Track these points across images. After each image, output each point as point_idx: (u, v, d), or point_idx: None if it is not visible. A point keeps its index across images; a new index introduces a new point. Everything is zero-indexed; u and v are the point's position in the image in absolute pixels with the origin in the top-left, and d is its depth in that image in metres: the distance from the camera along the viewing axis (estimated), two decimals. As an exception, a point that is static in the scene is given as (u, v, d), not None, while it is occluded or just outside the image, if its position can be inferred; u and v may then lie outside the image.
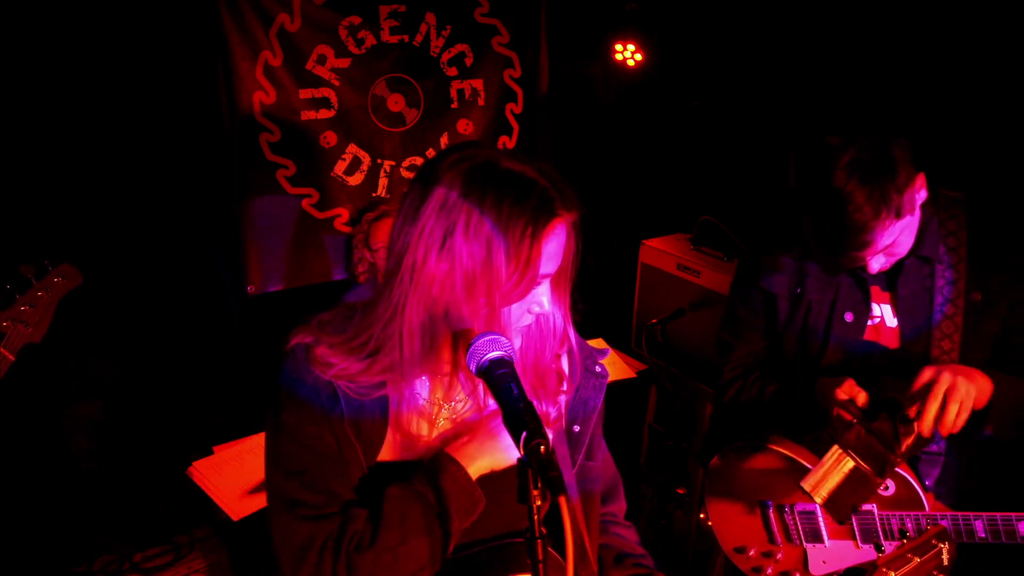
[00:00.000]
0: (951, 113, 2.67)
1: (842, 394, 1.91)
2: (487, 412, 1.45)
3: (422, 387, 1.46)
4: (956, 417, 1.78)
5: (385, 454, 1.44)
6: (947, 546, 1.68)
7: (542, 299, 1.38)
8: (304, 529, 1.36)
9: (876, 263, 1.91)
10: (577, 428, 1.55)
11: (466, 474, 1.35)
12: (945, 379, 1.78)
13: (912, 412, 1.82)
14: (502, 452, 1.37)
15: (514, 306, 1.35)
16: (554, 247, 1.34)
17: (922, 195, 1.87)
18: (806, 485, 1.87)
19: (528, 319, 1.40)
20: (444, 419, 1.47)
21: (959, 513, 1.91)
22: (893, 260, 1.95)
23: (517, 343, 1.44)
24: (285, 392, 1.41)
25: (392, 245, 1.36)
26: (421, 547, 1.33)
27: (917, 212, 1.89)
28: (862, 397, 1.91)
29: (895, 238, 1.84)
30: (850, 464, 1.85)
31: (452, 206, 1.29)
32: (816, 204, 1.82)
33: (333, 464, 1.39)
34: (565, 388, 1.54)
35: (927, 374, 1.82)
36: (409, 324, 1.34)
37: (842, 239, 1.80)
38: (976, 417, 1.86)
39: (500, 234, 1.28)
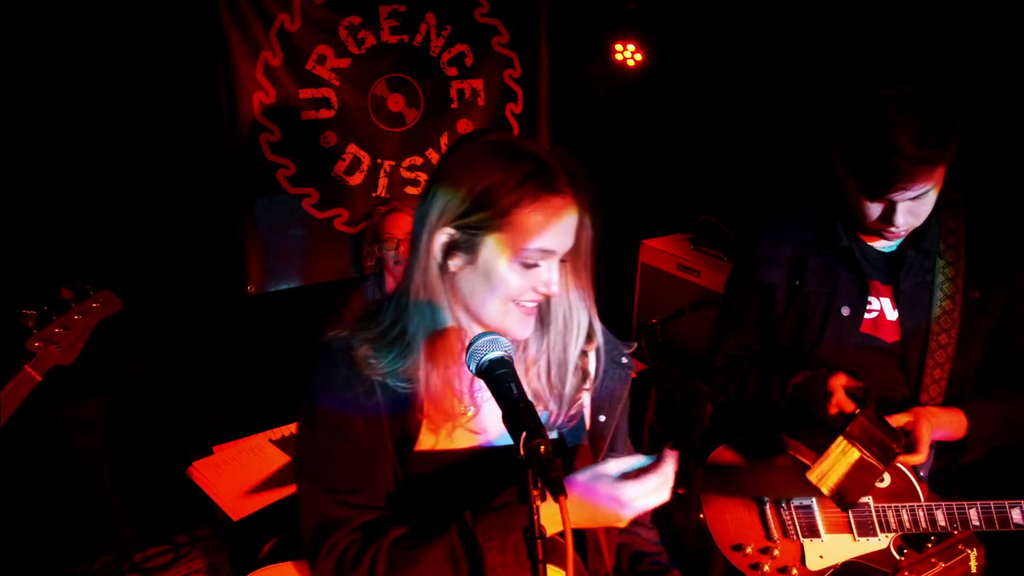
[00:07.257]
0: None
1: (837, 384, 1.92)
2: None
3: (456, 377, 1.44)
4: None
5: (423, 444, 1.43)
6: (975, 552, 1.65)
7: (548, 278, 1.36)
8: (333, 511, 1.38)
9: (901, 217, 1.88)
10: (603, 418, 1.56)
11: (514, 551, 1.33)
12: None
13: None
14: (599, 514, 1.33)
15: (518, 278, 1.35)
16: (557, 224, 1.33)
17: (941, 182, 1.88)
18: (812, 476, 1.88)
19: (532, 296, 1.38)
20: (474, 408, 1.47)
21: (953, 502, 1.93)
22: (904, 231, 1.94)
23: (529, 328, 1.42)
24: (321, 382, 1.42)
25: (415, 233, 1.38)
26: None
27: (940, 188, 1.89)
28: (861, 388, 1.92)
29: (921, 194, 1.84)
30: (856, 454, 1.85)
31: (467, 180, 1.32)
32: (863, 133, 1.82)
33: (367, 455, 1.40)
34: (588, 386, 1.55)
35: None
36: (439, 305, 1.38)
37: (885, 164, 1.79)
38: (953, 448, 1.99)
39: (503, 198, 1.30)
